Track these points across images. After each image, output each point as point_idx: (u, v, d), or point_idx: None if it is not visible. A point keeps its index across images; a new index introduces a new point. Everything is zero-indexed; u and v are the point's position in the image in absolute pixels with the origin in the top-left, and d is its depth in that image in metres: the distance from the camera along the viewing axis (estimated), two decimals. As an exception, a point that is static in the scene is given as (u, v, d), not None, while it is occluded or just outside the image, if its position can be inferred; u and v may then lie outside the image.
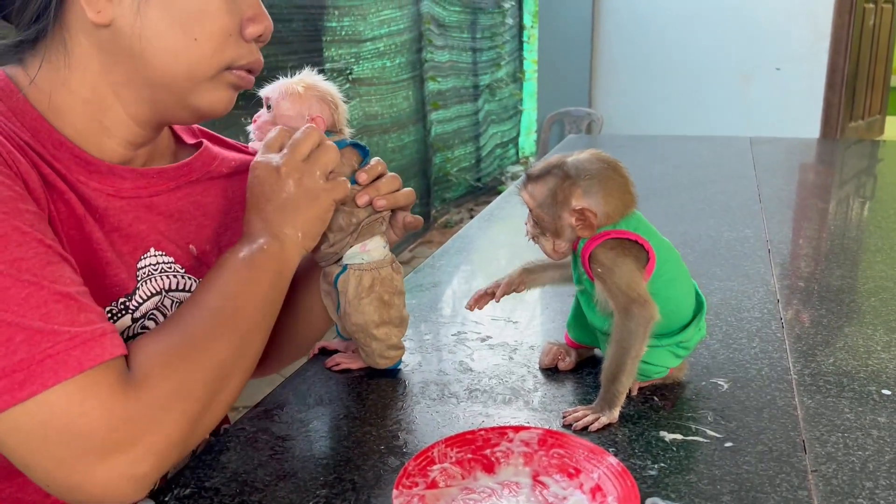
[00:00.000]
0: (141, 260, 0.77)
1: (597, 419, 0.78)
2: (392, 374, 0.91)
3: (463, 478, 0.68)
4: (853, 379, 0.88)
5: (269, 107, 0.82)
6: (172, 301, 0.81)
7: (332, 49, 3.45)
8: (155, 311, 0.79)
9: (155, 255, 0.79)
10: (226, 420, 1.01)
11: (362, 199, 0.82)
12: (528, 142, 6.72)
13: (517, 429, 0.73)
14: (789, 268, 1.25)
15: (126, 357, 0.63)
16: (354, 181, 0.83)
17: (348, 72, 3.70)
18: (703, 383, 0.87)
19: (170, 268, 0.80)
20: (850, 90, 4.56)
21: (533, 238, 0.84)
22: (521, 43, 6.45)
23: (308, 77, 0.85)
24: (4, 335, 0.56)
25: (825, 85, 4.40)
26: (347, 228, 0.83)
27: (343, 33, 3.54)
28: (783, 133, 4.11)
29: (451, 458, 0.70)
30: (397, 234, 0.91)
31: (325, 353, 0.98)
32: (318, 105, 0.83)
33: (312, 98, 0.83)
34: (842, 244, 1.38)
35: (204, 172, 0.86)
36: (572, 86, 4.89)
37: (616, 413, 0.79)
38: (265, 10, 0.77)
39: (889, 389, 0.85)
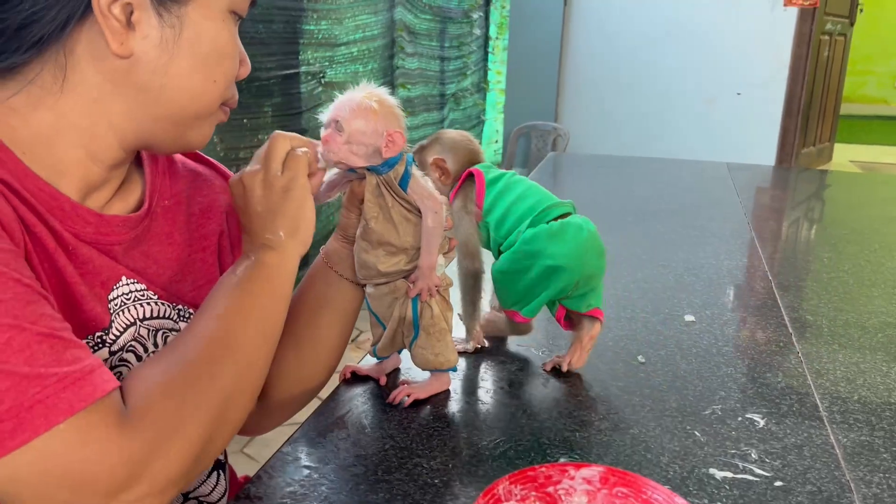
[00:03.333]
0: (112, 290, 0.75)
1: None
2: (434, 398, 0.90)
3: (532, 516, 0.68)
4: (881, 417, 0.90)
5: (339, 127, 0.80)
6: (149, 330, 0.78)
7: (308, 52, 3.40)
8: (133, 343, 0.76)
9: (127, 284, 0.76)
10: (245, 479, 0.99)
11: (450, 222, 0.88)
12: (489, 151, 6.75)
13: (578, 466, 0.73)
14: (793, 300, 1.29)
15: (120, 389, 0.62)
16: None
17: (321, 75, 3.65)
18: (740, 419, 0.88)
19: (143, 295, 0.77)
20: (804, 117, 4.72)
21: None
22: (486, 53, 6.48)
23: (375, 91, 0.83)
24: None
25: (783, 111, 4.55)
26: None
27: (320, 36, 3.49)
28: (741, 157, 4.24)
29: (516, 495, 0.69)
30: None
31: (357, 378, 0.97)
32: (393, 120, 0.82)
33: (387, 113, 0.81)
34: (838, 277, 1.43)
35: (162, 209, 0.83)
36: (539, 100, 4.94)
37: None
38: None
39: (916, 429, 0.88)
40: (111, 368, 0.74)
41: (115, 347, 0.74)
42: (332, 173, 0.89)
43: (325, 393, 0.94)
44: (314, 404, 0.92)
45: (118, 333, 0.74)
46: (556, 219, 0.95)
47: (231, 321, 0.70)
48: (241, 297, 0.72)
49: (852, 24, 5.32)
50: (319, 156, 0.81)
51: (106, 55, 0.66)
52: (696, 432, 0.85)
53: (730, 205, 2.00)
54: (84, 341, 0.70)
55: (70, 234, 0.70)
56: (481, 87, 6.56)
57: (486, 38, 6.50)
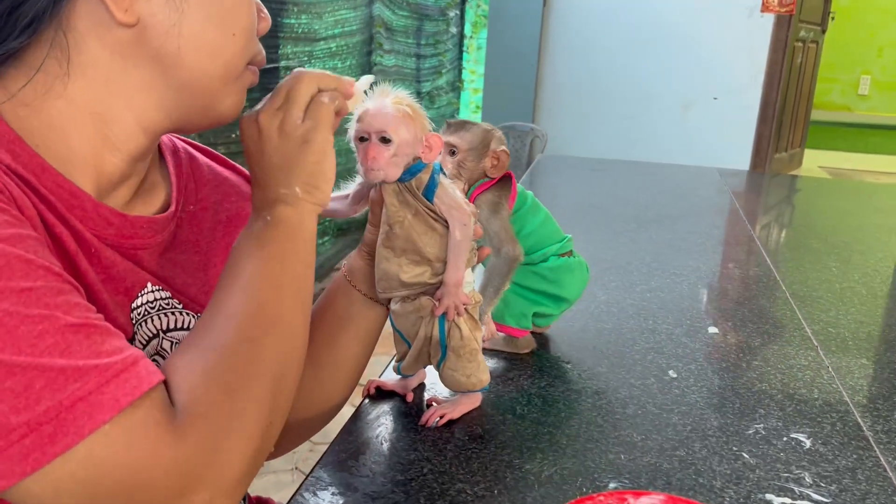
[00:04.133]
0: (137, 298, 0.68)
1: None
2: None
3: (598, 551, 0.64)
4: (926, 437, 0.88)
5: (385, 139, 0.74)
6: (172, 342, 0.72)
7: (288, 46, 3.32)
8: (156, 358, 0.70)
9: (152, 291, 0.70)
10: (258, 500, 0.93)
11: (479, 231, 0.82)
12: (462, 151, 6.69)
13: (637, 494, 0.69)
14: (811, 311, 1.27)
15: (164, 383, 0.55)
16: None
17: (300, 70, 3.57)
18: (785, 439, 0.85)
19: (167, 304, 0.71)
20: (778, 123, 4.77)
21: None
22: (461, 52, 6.44)
23: (398, 94, 0.76)
24: (22, 381, 0.47)
25: (758, 117, 4.60)
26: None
27: (300, 30, 3.41)
28: (716, 161, 4.27)
29: (576, 526, 0.65)
30: None
31: (381, 393, 0.91)
32: (426, 124, 0.76)
33: (421, 118, 0.76)
34: (850, 288, 1.41)
35: (187, 214, 0.76)
36: (517, 101, 4.92)
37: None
38: None
39: (962, 449, 0.86)
40: None
41: None
42: (355, 184, 0.83)
43: (346, 411, 0.88)
44: (336, 422, 0.86)
45: (140, 347, 0.68)
46: (568, 252, 1.04)
47: (261, 291, 0.63)
48: (266, 261, 0.64)
49: (824, 32, 5.40)
50: (364, 175, 0.75)
51: (110, 27, 0.60)
52: (744, 454, 0.82)
53: (729, 211, 1.99)
54: None
55: (92, 236, 0.64)
56: (456, 86, 6.51)
57: (462, 36, 6.46)
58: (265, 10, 0.70)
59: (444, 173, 0.81)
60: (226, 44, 0.65)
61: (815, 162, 6.12)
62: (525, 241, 1.00)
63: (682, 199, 2.12)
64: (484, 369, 0.85)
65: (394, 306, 0.84)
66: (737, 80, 4.57)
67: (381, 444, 0.81)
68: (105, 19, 0.59)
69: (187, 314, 0.73)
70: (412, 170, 0.77)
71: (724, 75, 4.58)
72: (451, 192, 0.79)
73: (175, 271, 0.73)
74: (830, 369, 1.04)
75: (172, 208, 0.72)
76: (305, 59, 3.58)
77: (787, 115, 4.99)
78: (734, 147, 4.64)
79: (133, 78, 0.63)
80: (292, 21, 3.31)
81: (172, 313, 0.72)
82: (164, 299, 0.71)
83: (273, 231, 0.65)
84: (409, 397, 0.90)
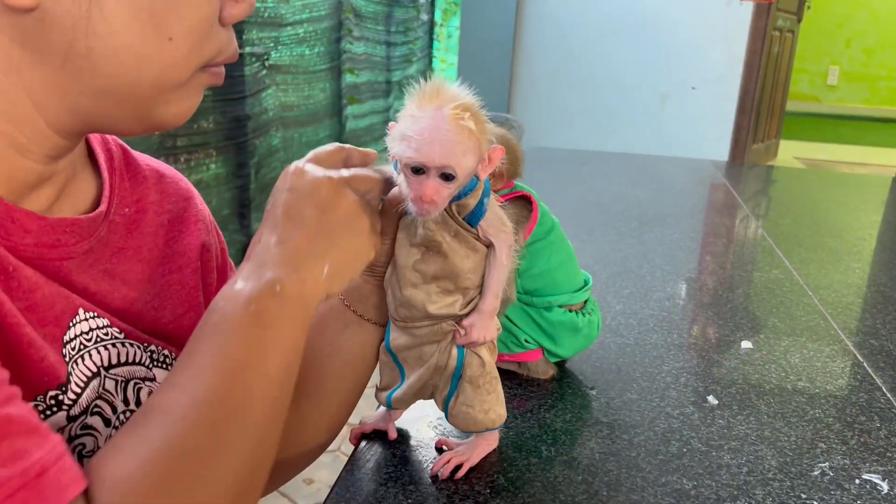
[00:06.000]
0: (69, 329, 0.53)
1: None
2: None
3: None
4: None
5: (448, 176, 0.57)
6: (117, 381, 0.57)
7: (254, 32, 3.13)
8: (99, 403, 0.55)
9: (87, 320, 0.55)
10: None
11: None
12: (433, 142, 6.55)
13: (712, 571, 0.55)
14: (846, 320, 1.15)
15: (87, 491, 0.41)
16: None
17: (266, 57, 3.39)
18: (857, 482, 0.73)
19: (106, 334, 0.57)
20: (756, 114, 4.70)
21: None
22: (431, 40, 6.28)
23: (456, 94, 0.59)
24: None
25: (737, 108, 4.52)
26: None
27: (266, 15, 3.23)
28: (694, 152, 4.19)
29: None
30: None
31: (367, 436, 0.77)
32: (488, 132, 0.60)
33: (483, 128, 0.59)
34: (880, 292, 1.30)
35: (123, 218, 0.61)
36: (491, 90, 4.78)
37: None
38: None
39: None
40: (71, 440, 0.52)
41: (75, 410, 0.52)
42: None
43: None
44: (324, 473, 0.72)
45: (79, 390, 0.53)
46: (581, 304, 0.89)
47: (243, 378, 0.48)
48: (257, 338, 0.49)
49: (799, 21, 5.34)
50: (409, 204, 0.59)
51: (2, 9, 0.46)
52: (816, 503, 0.69)
53: (731, 206, 1.87)
54: (32, 405, 0.49)
55: (6, 251, 0.49)
56: (427, 76, 6.36)
57: (432, 24, 6.29)
58: None
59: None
60: (158, 50, 0.49)
61: (789, 152, 6.09)
62: (532, 281, 0.87)
63: (681, 194, 2.00)
64: (502, 402, 0.71)
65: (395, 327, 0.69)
66: (715, 70, 4.48)
67: (387, 499, 0.66)
68: None
69: (131, 345, 0.58)
70: (466, 190, 0.62)
71: (702, 65, 4.48)
72: (497, 210, 0.65)
73: (114, 284, 0.58)
74: (885, 391, 0.92)
75: (103, 207, 0.58)
76: (272, 45, 3.39)
77: (764, 105, 4.92)
78: (713, 138, 4.56)
79: (37, 73, 0.48)
80: (258, 4, 3.13)
81: (114, 345, 0.57)
82: (102, 328, 0.56)
83: (282, 307, 0.50)
84: (392, 434, 0.76)
